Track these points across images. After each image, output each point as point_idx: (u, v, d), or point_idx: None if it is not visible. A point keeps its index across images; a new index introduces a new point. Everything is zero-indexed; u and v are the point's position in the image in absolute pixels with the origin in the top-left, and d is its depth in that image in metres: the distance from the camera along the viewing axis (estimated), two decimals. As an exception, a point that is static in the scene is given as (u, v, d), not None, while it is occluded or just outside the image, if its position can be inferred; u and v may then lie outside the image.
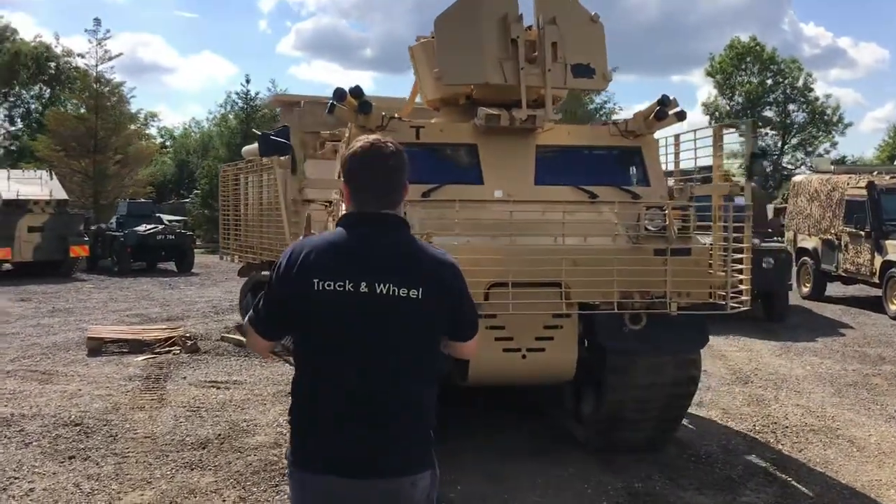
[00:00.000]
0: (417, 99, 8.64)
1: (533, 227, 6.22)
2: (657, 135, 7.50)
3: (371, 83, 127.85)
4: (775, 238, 16.85)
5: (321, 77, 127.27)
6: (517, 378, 6.66)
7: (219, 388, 9.48)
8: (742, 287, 6.56)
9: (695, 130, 7.15)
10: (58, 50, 58.93)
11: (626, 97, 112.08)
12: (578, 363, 6.56)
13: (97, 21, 43.91)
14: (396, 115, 7.07)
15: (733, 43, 58.87)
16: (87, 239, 25.76)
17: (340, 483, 2.78)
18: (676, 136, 7.66)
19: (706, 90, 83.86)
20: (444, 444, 6.55)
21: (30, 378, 10.02)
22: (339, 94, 6.59)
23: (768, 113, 59.14)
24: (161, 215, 30.67)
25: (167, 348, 11.72)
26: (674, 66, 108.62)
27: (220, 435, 7.54)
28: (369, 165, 2.91)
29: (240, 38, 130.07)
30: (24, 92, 61.76)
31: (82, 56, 41.25)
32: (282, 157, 6.63)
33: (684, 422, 7.95)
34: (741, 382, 10.11)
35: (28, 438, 7.41)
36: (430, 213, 6.28)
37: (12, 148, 58.16)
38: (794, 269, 18.19)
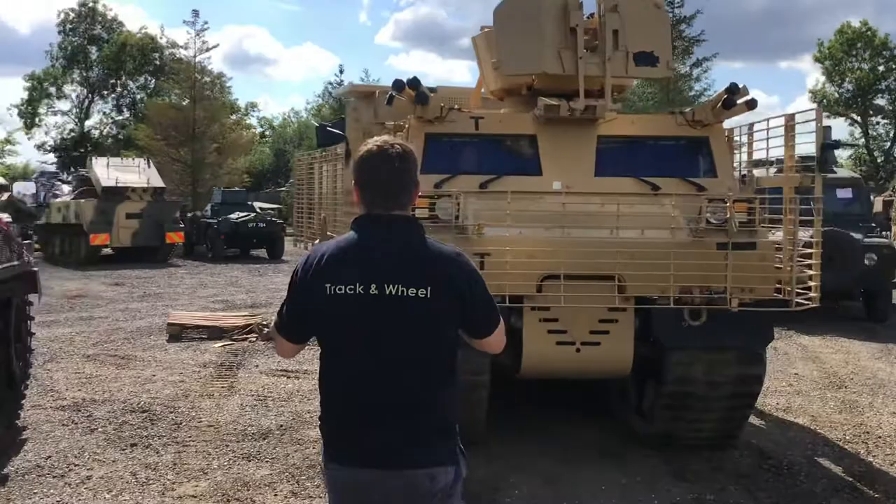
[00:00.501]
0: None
1: (590, 219, 6.12)
2: (731, 124, 7.30)
3: (467, 72, 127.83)
4: (882, 233, 15.85)
5: (419, 67, 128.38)
6: (571, 372, 6.57)
7: (289, 377, 9.57)
8: (811, 283, 6.31)
9: (767, 119, 6.89)
10: (162, 41, 60.71)
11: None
12: (638, 358, 6.45)
13: (195, 13, 45.52)
14: (457, 106, 7.03)
15: (843, 28, 56.61)
16: (182, 226, 26.58)
17: (363, 474, 2.90)
18: (750, 126, 7.42)
19: (815, 77, 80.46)
20: (501, 445, 6.64)
21: (108, 363, 10.35)
22: (397, 84, 6.61)
23: (880, 101, 56.72)
24: (255, 203, 31.34)
25: (244, 335, 11.95)
26: (782, 52, 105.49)
27: (281, 426, 7.59)
28: (376, 168, 2.94)
29: (340, 29, 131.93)
30: (130, 82, 63.88)
31: (184, 47, 42.50)
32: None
33: (766, 428, 7.66)
34: (834, 387, 9.51)
35: (94, 424, 7.59)
36: (486, 204, 6.24)
37: (119, 137, 60.25)
38: (901, 266, 17.16)
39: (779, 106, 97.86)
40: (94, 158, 28.02)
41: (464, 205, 6.13)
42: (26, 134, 63.26)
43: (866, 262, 13.49)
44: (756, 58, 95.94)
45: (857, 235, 13.66)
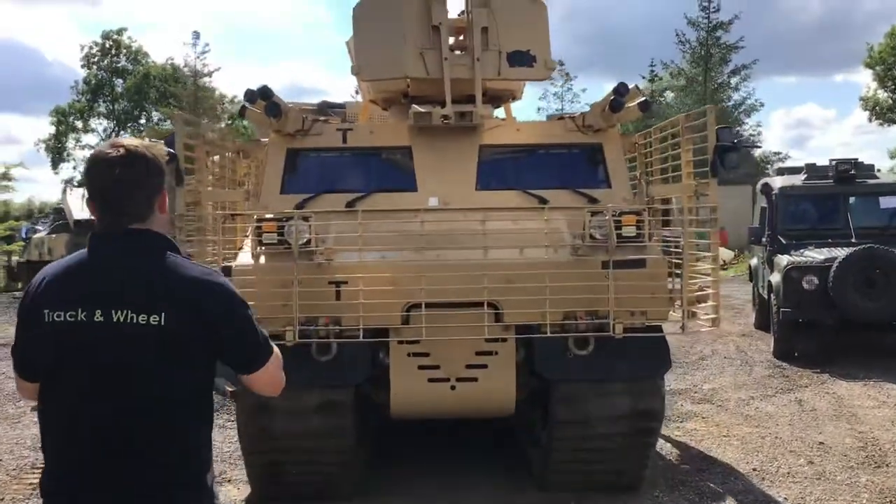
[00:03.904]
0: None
1: (463, 239, 5.70)
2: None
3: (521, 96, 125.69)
4: None
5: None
6: (447, 412, 6.15)
7: None
8: (711, 303, 5.86)
9: (665, 123, 6.46)
10: (185, 70, 60.97)
11: (783, 99, 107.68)
12: (529, 394, 6.07)
13: (196, 34, 45.93)
14: (323, 118, 6.63)
15: (894, 30, 54.97)
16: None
17: None
18: (648, 131, 7.03)
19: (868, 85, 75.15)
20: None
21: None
22: (248, 95, 6.21)
23: (936, 105, 54.72)
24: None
25: None
26: (838, 65, 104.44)
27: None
28: (101, 176, 2.68)
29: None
30: (155, 113, 63.79)
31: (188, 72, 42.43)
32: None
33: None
34: (871, 465, 7.18)
35: None
36: (352, 226, 5.79)
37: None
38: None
39: (835, 120, 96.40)
40: (69, 189, 27.34)
41: (317, 228, 5.67)
42: (53, 170, 63.02)
43: None
44: (810, 71, 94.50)
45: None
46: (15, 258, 27.27)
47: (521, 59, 6.36)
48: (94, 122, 63.65)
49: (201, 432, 2.72)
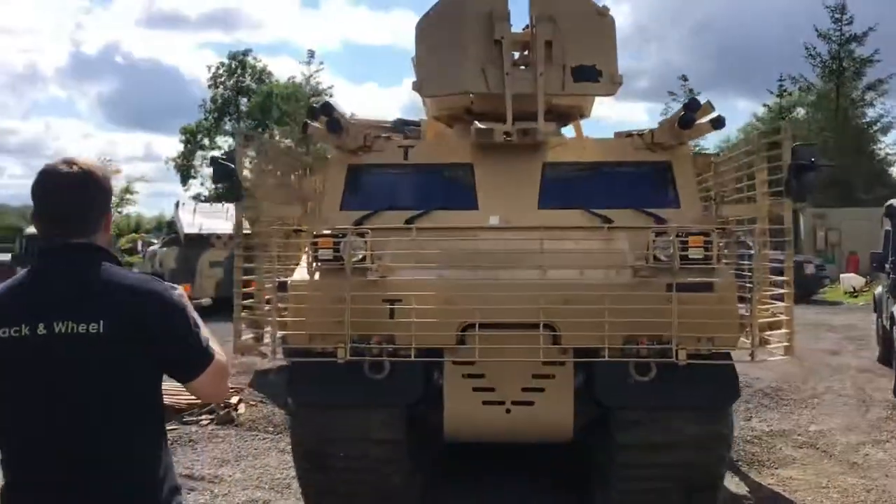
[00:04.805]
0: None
1: (521, 258, 5.62)
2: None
3: (644, 114, 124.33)
4: None
5: (596, 111, 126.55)
6: (502, 436, 6.04)
7: (191, 486, 7.18)
8: (784, 331, 5.62)
9: (740, 141, 6.25)
10: (307, 89, 62.78)
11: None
12: (587, 420, 5.89)
13: (311, 52, 47.16)
14: (385, 135, 6.66)
15: None
16: (270, 275, 26.44)
17: None
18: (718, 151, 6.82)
19: None
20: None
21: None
22: (311, 111, 6.29)
23: None
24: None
25: (198, 417, 9.65)
26: None
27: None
28: (43, 192, 2.74)
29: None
30: (277, 131, 65.95)
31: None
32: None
33: None
34: None
35: None
36: (406, 243, 5.80)
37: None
38: None
39: None
40: (181, 204, 28.15)
41: (374, 245, 5.67)
42: (183, 186, 65.39)
43: None
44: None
45: None
46: (135, 270, 28.30)
47: (586, 73, 6.25)
48: (220, 140, 65.86)
49: (151, 440, 2.73)
